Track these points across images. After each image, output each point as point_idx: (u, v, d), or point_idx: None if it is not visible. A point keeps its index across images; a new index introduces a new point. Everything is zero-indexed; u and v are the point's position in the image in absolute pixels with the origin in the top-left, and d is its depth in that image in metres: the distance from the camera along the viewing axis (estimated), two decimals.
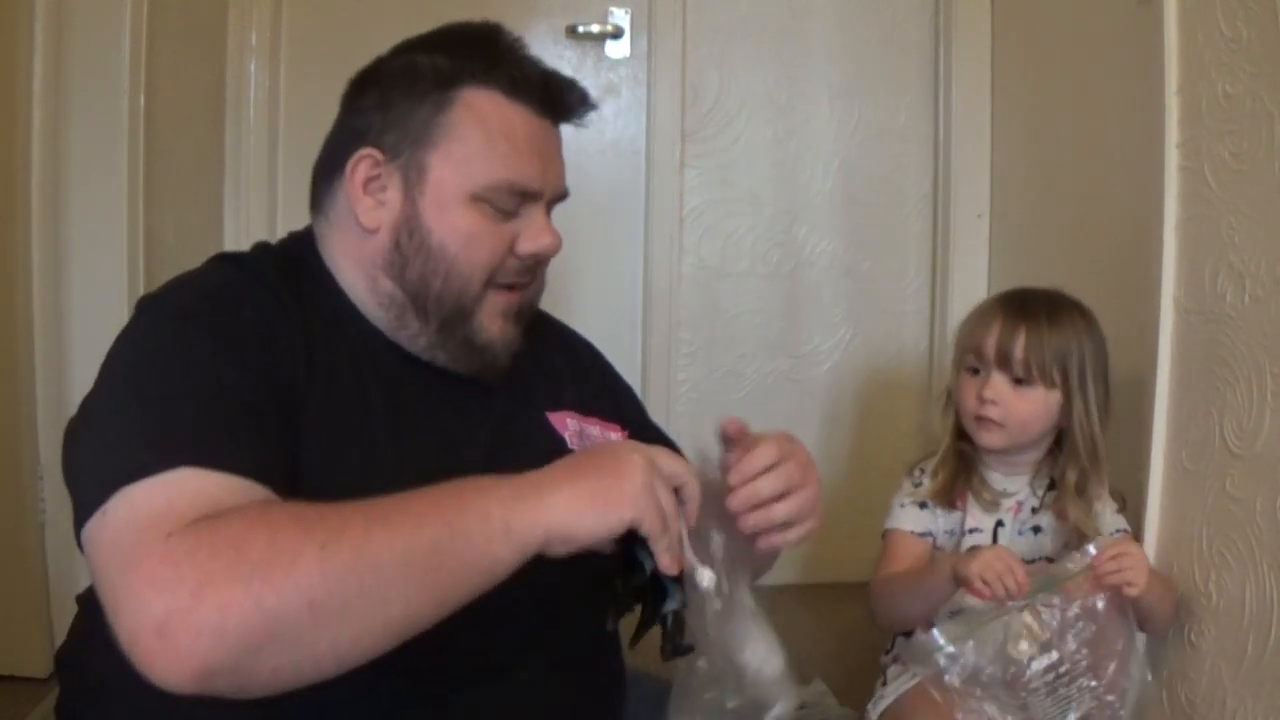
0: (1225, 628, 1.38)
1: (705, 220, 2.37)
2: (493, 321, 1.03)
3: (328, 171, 1.04)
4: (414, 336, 1.02)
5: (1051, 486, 1.48)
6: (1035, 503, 1.47)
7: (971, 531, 1.45)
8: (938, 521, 1.46)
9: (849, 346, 2.40)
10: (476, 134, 0.99)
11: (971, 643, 1.24)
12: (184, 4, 2.00)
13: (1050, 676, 1.27)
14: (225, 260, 1.03)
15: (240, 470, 0.81)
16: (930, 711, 1.33)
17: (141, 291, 1.76)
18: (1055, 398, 1.42)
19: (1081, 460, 1.43)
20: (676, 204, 2.34)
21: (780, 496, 0.93)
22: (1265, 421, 1.33)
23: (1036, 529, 1.46)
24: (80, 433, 0.88)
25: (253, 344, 0.90)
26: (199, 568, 0.71)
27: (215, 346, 0.88)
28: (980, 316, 1.46)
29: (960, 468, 1.47)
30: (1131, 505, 1.53)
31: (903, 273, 2.41)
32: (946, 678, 1.24)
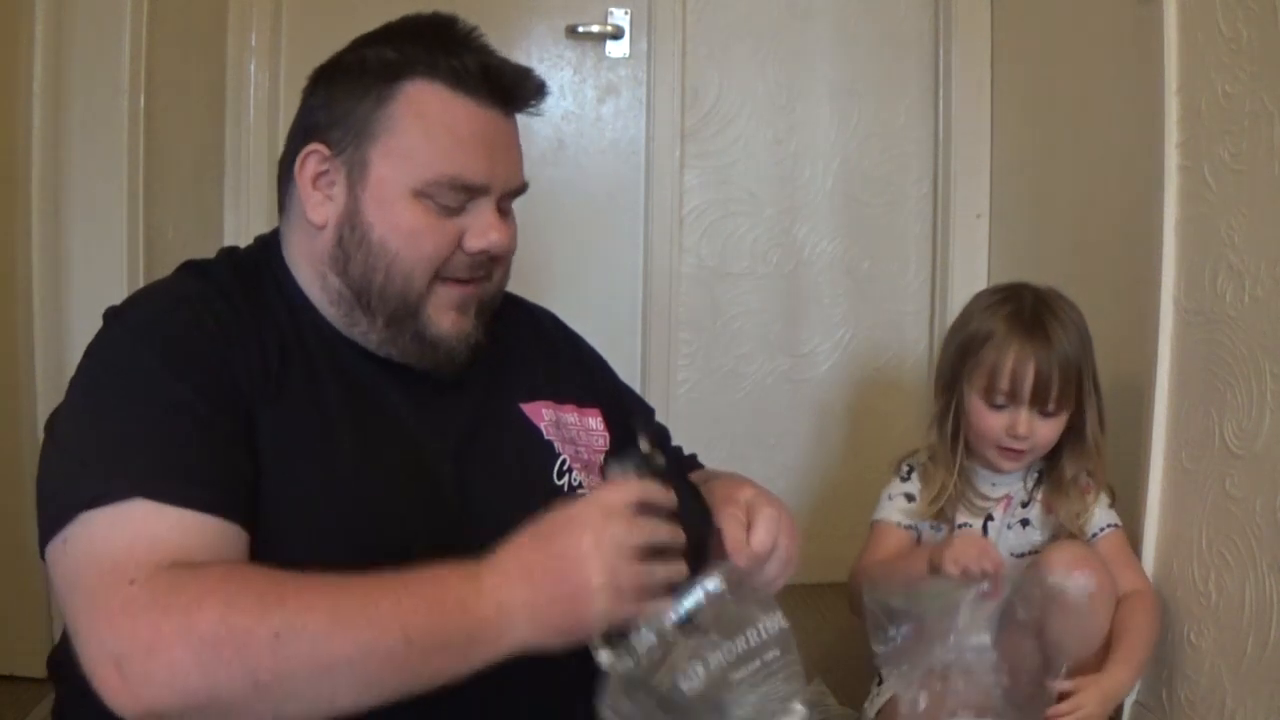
0: (1225, 628, 1.38)
1: (705, 220, 2.37)
2: (443, 315, 1.00)
3: (284, 169, 1.04)
4: (365, 333, 1.00)
5: (1041, 480, 1.48)
6: (1025, 496, 1.47)
7: (961, 526, 1.45)
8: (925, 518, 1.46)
9: (849, 346, 2.40)
10: (417, 128, 0.97)
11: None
12: (184, 5, 1.99)
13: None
14: (190, 270, 1.02)
15: (197, 505, 0.82)
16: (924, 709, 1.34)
17: None
18: (1068, 413, 1.42)
19: (1087, 459, 1.43)
20: (676, 204, 2.33)
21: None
22: (1265, 421, 1.33)
23: (1025, 522, 1.46)
24: (46, 447, 0.90)
25: (210, 361, 0.90)
26: (153, 627, 0.74)
27: (171, 367, 0.88)
28: (994, 344, 1.40)
29: (955, 488, 1.46)
30: (1131, 505, 1.53)
31: (903, 273, 2.40)
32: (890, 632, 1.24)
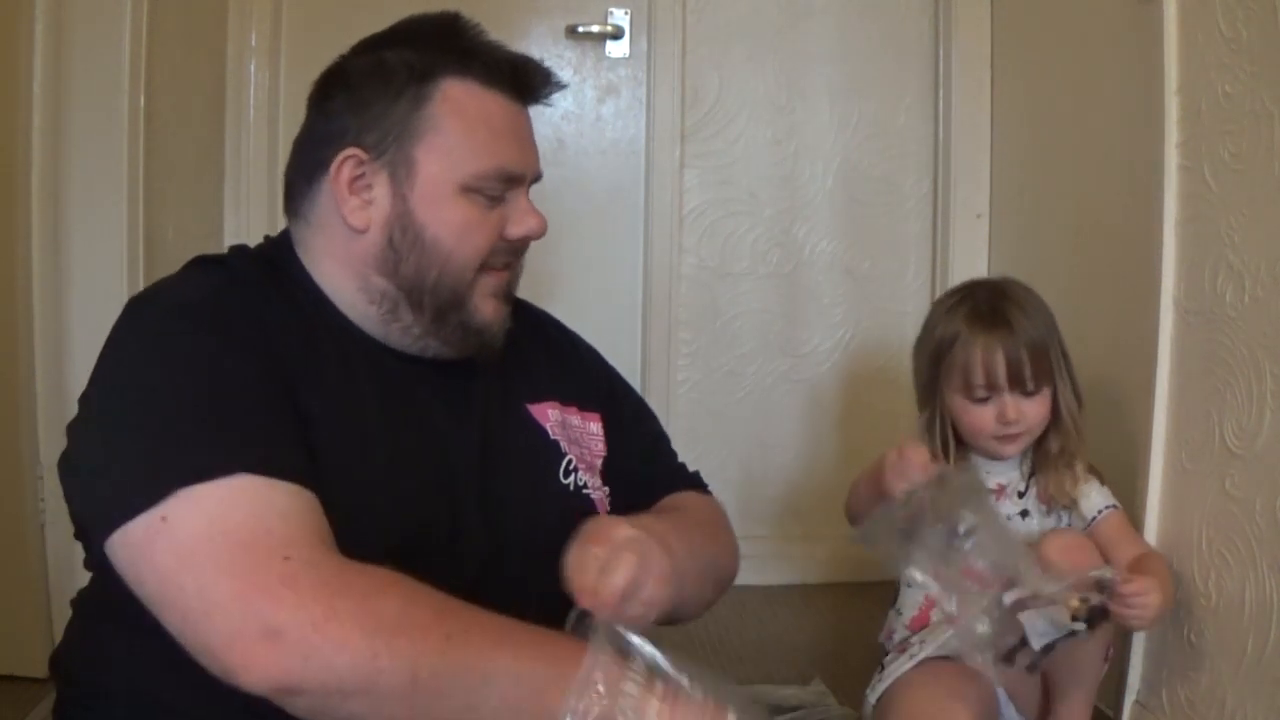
0: (1225, 628, 1.38)
1: (705, 220, 2.37)
2: (485, 303, 1.03)
3: (304, 175, 1.03)
4: (406, 328, 1.01)
5: (1035, 470, 1.48)
6: (1022, 486, 1.47)
7: None
8: None
9: (849, 346, 2.40)
10: (458, 124, 0.99)
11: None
12: (184, 5, 2.00)
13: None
14: (206, 262, 1.02)
15: (292, 476, 0.82)
16: (924, 693, 1.34)
17: None
18: (1050, 389, 1.43)
19: (1066, 433, 1.45)
20: (676, 204, 2.33)
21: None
22: (1265, 421, 1.33)
23: (1025, 513, 1.46)
24: (92, 433, 0.87)
25: (257, 342, 0.90)
26: (326, 602, 0.74)
27: (224, 341, 0.88)
28: (961, 343, 1.43)
29: None
30: (1132, 506, 1.53)
31: (903, 273, 2.41)
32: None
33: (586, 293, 2.30)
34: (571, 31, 2.30)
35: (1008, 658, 1.27)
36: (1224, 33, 1.41)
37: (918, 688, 1.37)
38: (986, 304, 1.44)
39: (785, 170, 2.37)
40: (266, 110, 2.22)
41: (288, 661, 0.73)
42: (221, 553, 0.76)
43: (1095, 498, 1.45)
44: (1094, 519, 1.44)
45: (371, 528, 0.91)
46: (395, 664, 0.74)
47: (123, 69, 1.75)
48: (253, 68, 2.22)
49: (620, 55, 2.33)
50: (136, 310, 0.94)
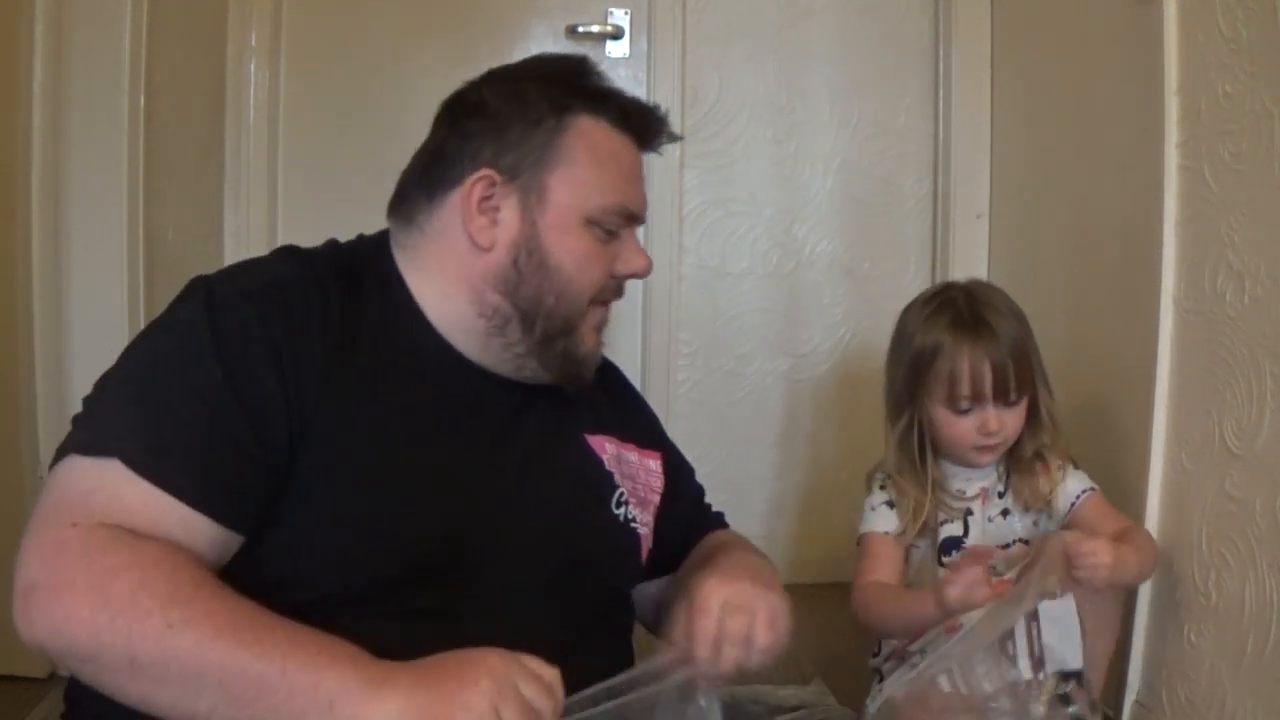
0: (1225, 628, 1.38)
1: (705, 220, 2.37)
2: (590, 335, 1.07)
3: (429, 187, 1.06)
4: (510, 345, 1.05)
5: (1010, 472, 1.48)
6: (1000, 487, 1.47)
7: (944, 523, 1.45)
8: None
9: (849, 346, 2.40)
10: (591, 159, 1.04)
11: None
12: (184, 4, 2.00)
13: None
14: (289, 254, 1.05)
15: (167, 487, 0.85)
16: (924, 708, 1.34)
17: (141, 291, 1.77)
18: (1029, 395, 1.43)
19: (1043, 433, 1.44)
20: (676, 204, 2.34)
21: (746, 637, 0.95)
22: (1265, 421, 1.33)
23: (1005, 512, 1.46)
24: (97, 384, 0.94)
25: (268, 361, 0.91)
26: (70, 576, 0.80)
27: (222, 357, 0.90)
28: (945, 354, 1.41)
29: (927, 495, 1.46)
30: (1132, 505, 1.53)
31: (903, 273, 2.40)
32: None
33: None
34: (571, 31, 2.30)
35: None
36: (1224, 33, 1.41)
37: (916, 706, 1.37)
38: (968, 312, 1.42)
39: (785, 170, 2.37)
40: (266, 110, 2.22)
41: (37, 619, 0.80)
42: (44, 511, 0.85)
43: (1071, 485, 1.45)
44: (1073, 505, 1.44)
45: (396, 533, 0.93)
46: (114, 642, 0.78)
47: (123, 69, 1.75)
48: (253, 68, 2.21)
49: (620, 55, 2.33)
50: (192, 290, 0.98)
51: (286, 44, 2.25)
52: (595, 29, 2.30)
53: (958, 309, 1.43)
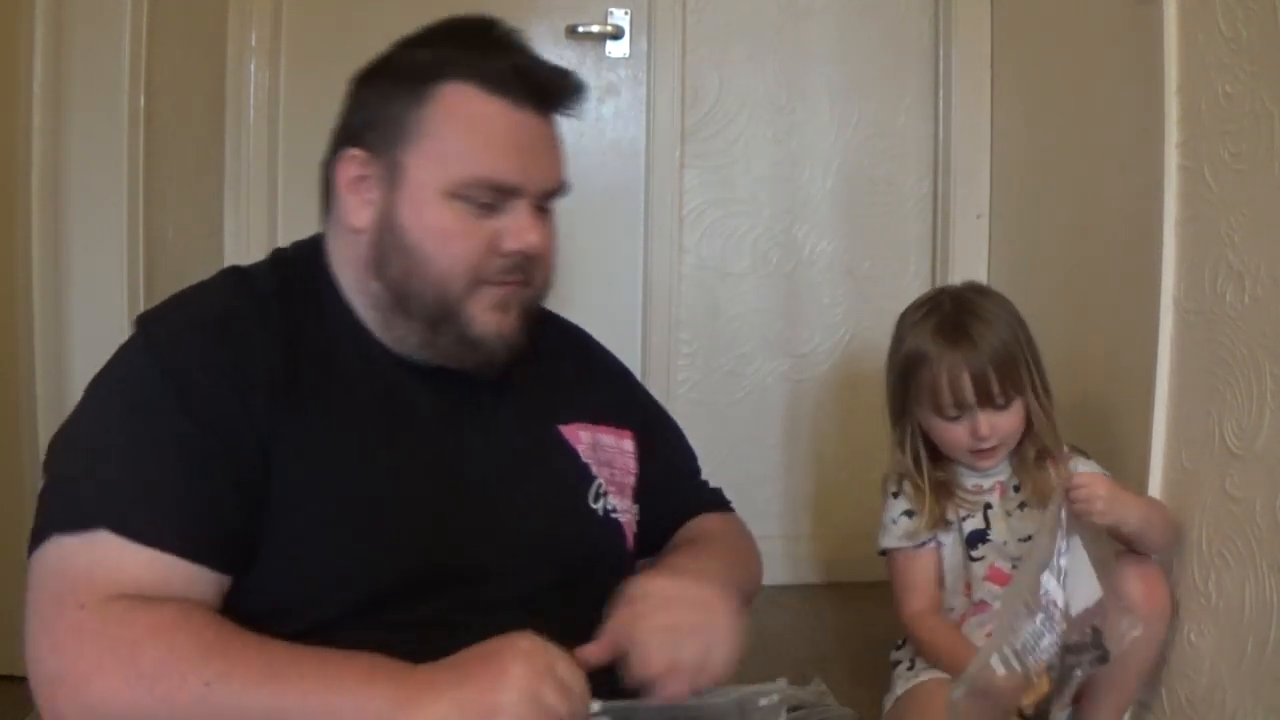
0: (1225, 628, 1.38)
1: (705, 220, 2.37)
2: (485, 315, 0.99)
3: (326, 170, 1.04)
4: (403, 337, 1.00)
5: (1018, 470, 1.48)
6: (1016, 481, 1.47)
7: (966, 518, 1.46)
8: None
9: (849, 346, 2.40)
10: (451, 129, 0.97)
11: None
12: (184, 4, 1.99)
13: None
14: (232, 277, 1.02)
15: (164, 546, 0.84)
16: (934, 698, 1.34)
17: (141, 291, 1.76)
18: (1022, 397, 1.43)
19: (1043, 433, 1.44)
20: (676, 204, 2.34)
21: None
22: (1265, 421, 1.33)
23: (1023, 505, 1.46)
24: (56, 452, 0.91)
25: (222, 391, 0.90)
26: (96, 658, 0.79)
27: (179, 399, 0.89)
28: (927, 363, 1.42)
29: (940, 493, 1.47)
30: None
31: (903, 273, 2.40)
32: None
33: (587, 293, 2.30)
34: (571, 31, 2.30)
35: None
36: (1224, 33, 1.41)
37: (935, 699, 1.37)
38: (950, 319, 1.43)
39: (785, 170, 2.37)
40: (266, 110, 2.22)
41: (70, 708, 0.79)
42: (44, 599, 0.83)
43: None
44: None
45: (369, 545, 0.92)
46: (157, 712, 0.78)
47: (123, 69, 1.75)
48: (253, 68, 2.21)
49: (620, 55, 2.33)
50: (134, 336, 0.95)
51: (286, 44, 2.25)
52: (595, 29, 2.30)
53: (942, 316, 1.44)
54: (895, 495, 1.50)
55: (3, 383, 1.69)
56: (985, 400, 1.40)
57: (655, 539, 1.16)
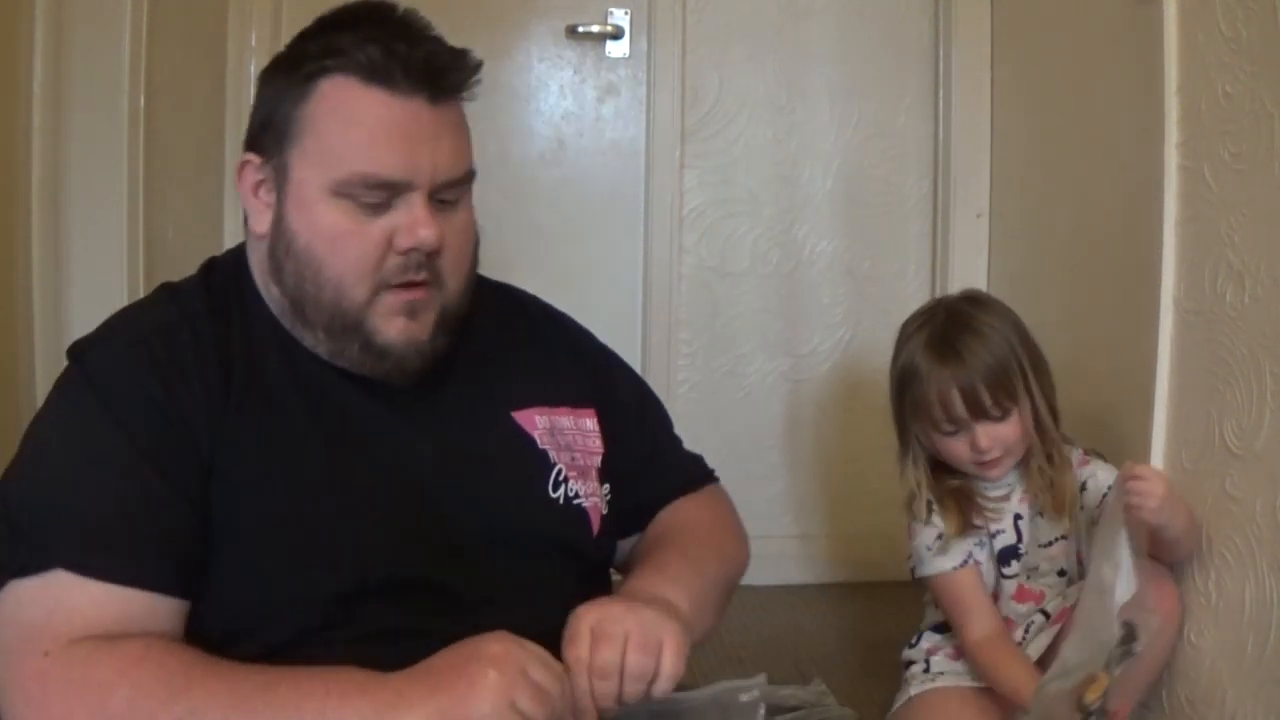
0: (1225, 628, 1.38)
1: (705, 220, 2.37)
2: (389, 322, 0.94)
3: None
4: (314, 345, 0.97)
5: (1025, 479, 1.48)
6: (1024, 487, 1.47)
7: (996, 534, 1.45)
8: (965, 542, 1.45)
9: (849, 346, 2.40)
10: (330, 126, 0.92)
11: None
12: (184, 4, 2.00)
13: None
14: (162, 294, 1.00)
15: (120, 579, 0.83)
16: (948, 706, 1.34)
17: (141, 291, 1.76)
18: (1021, 406, 1.42)
19: (1046, 444, 1.43)
20: (676, 204, 2.33)
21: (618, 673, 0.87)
22: (1265, 421, 1.33)
23: (1040, 512, 1.46)
24: (3, 496, 0.89)
25: (161, 413, 0.89)
26: (64, 706, 0.79)
27: (118, 426, 0.88)
28: (919, 380, 1.41)
29: (960, 500, 1.45)
30: None
31: (903, 273, 2.40)
32: None
33: (586, 293, 2.30)
34: (571, 31, 2.30)
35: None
36: (1224, 33, 1.41)
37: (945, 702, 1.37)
38: (941, 334, 1.41)
39: (785, 170, 2.37)
40: None
41: None
42: (9, 639, 0.82)
43: (1102, 475, 1.45)
44: (1104, 496, 1.43)
45: (314, 557, 0.91)
46: None
47: (123, 69, 1.75)
48: (253, 68, 2.21)
49: (620, 55, 2.33)
50: (68, 368, 0.94)
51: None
52: (595, 29, 2.30)
53: (933, 330, 1.43)
54: (927, 523, 1.46)
55: (3, 383, 1.69)
56: (979, 414, 1.39)
57: (630, 514, 1.13)
